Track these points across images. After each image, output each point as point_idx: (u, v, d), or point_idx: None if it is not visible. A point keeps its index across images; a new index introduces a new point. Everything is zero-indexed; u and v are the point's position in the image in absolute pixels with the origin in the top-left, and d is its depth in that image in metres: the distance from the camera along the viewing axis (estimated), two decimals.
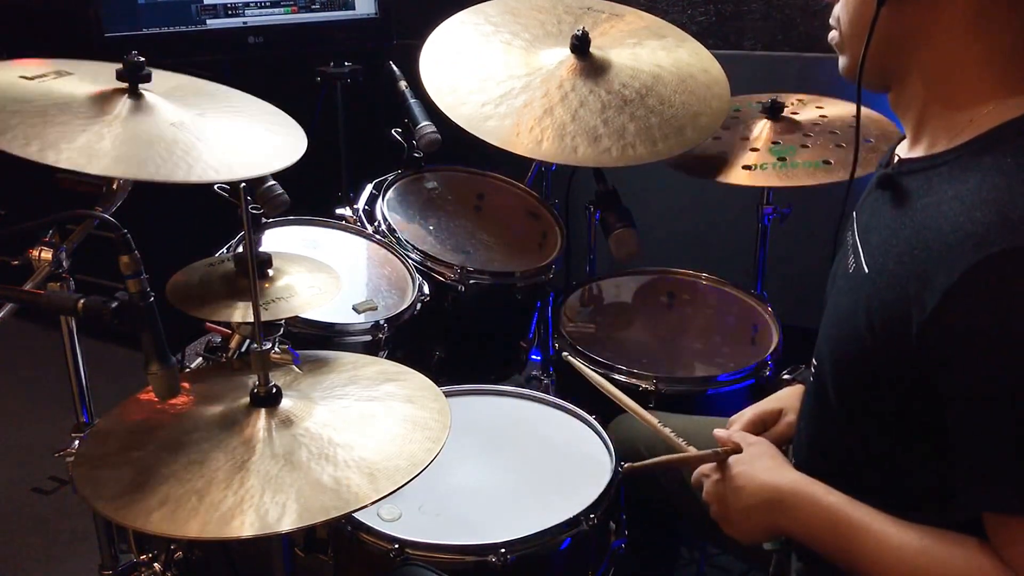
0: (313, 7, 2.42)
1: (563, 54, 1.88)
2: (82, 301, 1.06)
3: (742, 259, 2.13)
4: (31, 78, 1.26)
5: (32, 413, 2.71)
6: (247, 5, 2.34)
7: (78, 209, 1.18)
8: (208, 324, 1.52)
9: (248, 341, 1.46)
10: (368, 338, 1.61)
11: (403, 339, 1.66)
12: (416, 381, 1.28)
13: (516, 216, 2.03)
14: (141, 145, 1.19)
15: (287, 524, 0.98)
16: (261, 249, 1.33)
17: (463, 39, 1.92)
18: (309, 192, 1.83)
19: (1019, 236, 0.88)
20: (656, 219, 2.27)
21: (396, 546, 1.24)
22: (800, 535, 1.12)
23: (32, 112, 1.17)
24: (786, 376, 1.55)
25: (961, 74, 1.01)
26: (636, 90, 1.84)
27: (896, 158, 1.12)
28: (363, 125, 2.49)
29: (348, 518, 1.27)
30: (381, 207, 1.86)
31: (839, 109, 1.98)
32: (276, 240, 1.75)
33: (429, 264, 1.79)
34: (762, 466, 1.19)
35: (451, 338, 1.85)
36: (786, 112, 1.95)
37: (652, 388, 1.68)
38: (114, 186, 1.33)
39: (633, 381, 1.69)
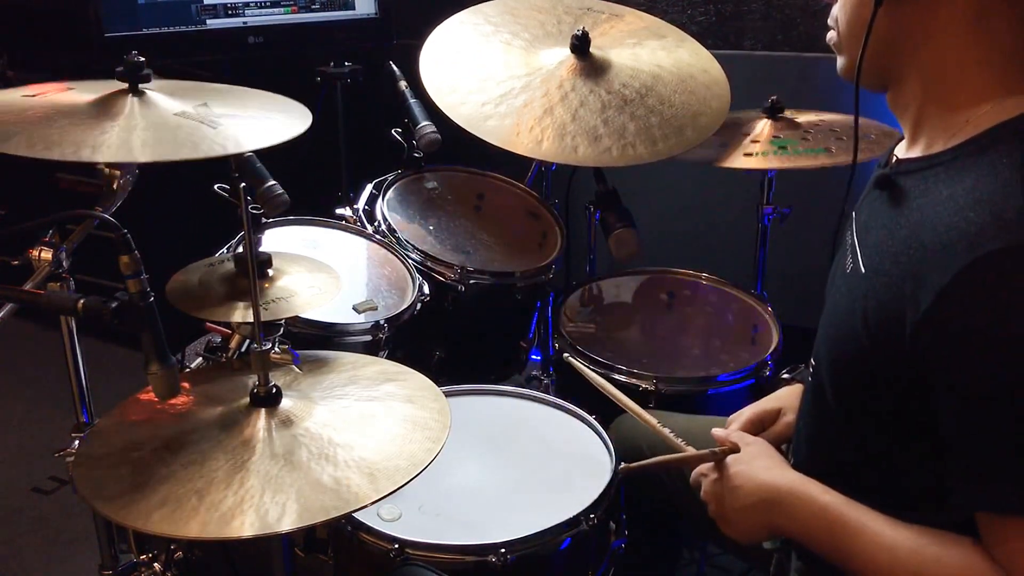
0: (313, 7, 2.42)
1: (563, 54, 1.88)
2: (82, 301, 1.06)
3: (742, 259, 2.13)
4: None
5: (32, 413, 2.71)
6: (247, 5, 2.34)
7: (78, 209, 1.18)
8: (208, 324, 1.52)
9: (248, 341, 1.46)
10: (368, 338, 1.61)
11: (403, 339, 1.66)
12: (416, 381, 1.28)
13: (516, 216, 2.03)
14: (168, 130, 1.20)
15: (287, 524, 0.98)
16: (261, 249, 1.33)
17: (463, 39, 1.92)
18: (309, 192, 1.84)
19: (1013, 236, 0.88)
20: (656, 219, 2.27)
21: (396, 546, 1.24)
22: (797, 534, 1.13)
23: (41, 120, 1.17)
24: (785, 375, 1.55)
25: (959, 74, 1.01)
26: (636, 90, 1.84)
27: (894, 158, 1.12)
28: (363, 125, 2.49)
29: (348, 518, 1.27)
30: (381, 207, 1.86)
31: (836, 117, 1.98)
32: (276, 240, 1.75)
33: (429, 264, 1.79)
34: (760, 465, 1.19)
35: (451, 338, 1.85)
36: (786, 114, 1.95)
37: (652, 388, 1.68)
38: (114, 186, 1.33)
39: (633, 381, 1.70)
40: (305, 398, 1.18)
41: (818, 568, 1.18)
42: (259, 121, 1.31)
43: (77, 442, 1.36)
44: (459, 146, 1.88)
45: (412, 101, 1.99)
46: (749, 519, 1.18)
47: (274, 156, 1.39)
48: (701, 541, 1.93)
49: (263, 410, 1.13)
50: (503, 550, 1.23)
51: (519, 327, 1.97)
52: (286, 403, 1.15)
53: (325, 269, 1.38)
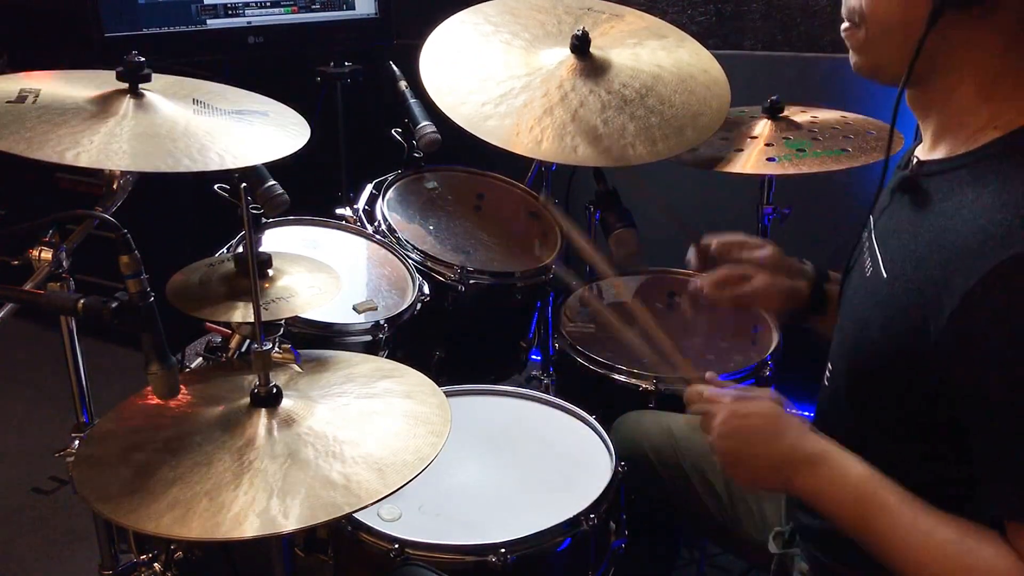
0: (313, 7, 2.42)
1: (563, 54, 1.87)
2: (82, 301, 1.06)
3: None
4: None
5: (32, 413, 2.71)
6: (247, 5, 2.34)
7: (78, 209, 1.18)
8: (208, 324, 1.52)
9: (248, 341, 1.46)
10: (368, 338, 1.61)
11: (403, 339, 1.66)
12: (412, 377, 1.29)
13: (516, 216, 2.03)
14: (162, 140, 1.20)
15: (300, 522, 0.98)
16: (261, 249, 1.33)
17: (463, 39, 1.92)
18: (309, 192, 1.83)
19: None
20: (656, 219, 2.27)
21: (396, 546, 1.24)
22: (818, 499, 1.06)
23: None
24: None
25: (995, 80, 0.99)
26: (636, 90, 1.84)
27: (915, 159, 1.10)
28: (363, 125, 2.49)
29: (348, 518, 1.27)
30: (381, 207, 1.86)
31: (826, 114, 1.97)
32: (276, 240, 1.75)
33: (429, 264, 1.79)
34: (796, 423, 1.11)
35: (451, 338, 1.85)
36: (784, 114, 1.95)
37: (652, 388, 1.68)
38: (114, 186, 1.33)
39: (633, 381, 1.69)
40: (304, 397, 1.18)
41: (824, 571, 1.17)
42: (254, 135, 1.32)
43: (77, 442, 1.36)
44: (459, 146, 1.88)
45: (412, 101, 1.99)
46: (768, 471, 1.10)
47: None
48: (701, 541, 1.93)
49: (263, 410, 1.13)
50: (503, 550, 1.23)
51: (519, 327, 1.97)
52: (286, 403, 1.15)
53: (325, 269, 1.38)
